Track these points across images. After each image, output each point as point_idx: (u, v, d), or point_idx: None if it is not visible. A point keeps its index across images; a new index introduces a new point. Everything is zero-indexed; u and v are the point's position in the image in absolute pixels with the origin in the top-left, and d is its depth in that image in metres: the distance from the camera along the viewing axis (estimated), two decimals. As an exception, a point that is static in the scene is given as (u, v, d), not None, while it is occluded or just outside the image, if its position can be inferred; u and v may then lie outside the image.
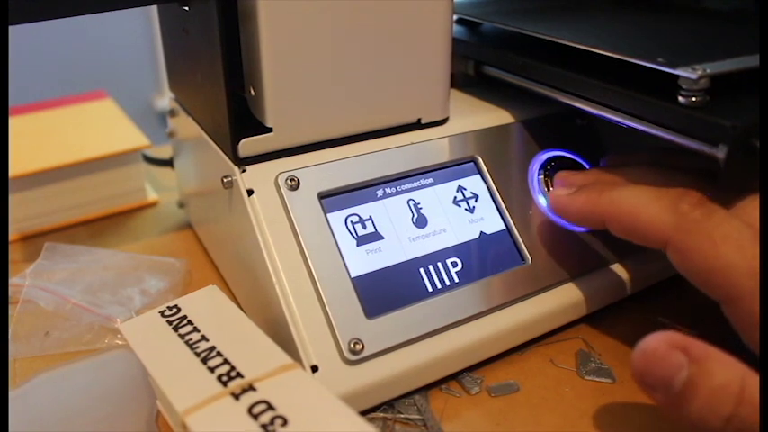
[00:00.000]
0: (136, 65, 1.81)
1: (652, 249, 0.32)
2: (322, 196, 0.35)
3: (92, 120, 0.58)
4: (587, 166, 0.41)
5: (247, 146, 0.35)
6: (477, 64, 0.44)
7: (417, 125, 0.38)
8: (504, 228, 0.37)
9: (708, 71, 0.32)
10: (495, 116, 0.41)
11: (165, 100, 1.49)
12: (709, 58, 0.33)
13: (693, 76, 0.31)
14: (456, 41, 0.40)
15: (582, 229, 0.38)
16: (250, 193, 0.34)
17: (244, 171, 0.35)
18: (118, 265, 0.45)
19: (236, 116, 0.34)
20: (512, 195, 0.38)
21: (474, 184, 0.38)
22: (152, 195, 0.55)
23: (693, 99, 0.32)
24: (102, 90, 0.64)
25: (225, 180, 0.36)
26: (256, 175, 0.35)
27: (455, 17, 0.46)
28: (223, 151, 0.37)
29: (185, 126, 0.44)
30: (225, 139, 0.35)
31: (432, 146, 0.38)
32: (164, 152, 0.55)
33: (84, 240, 0.49)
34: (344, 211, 0.35)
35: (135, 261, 0.45)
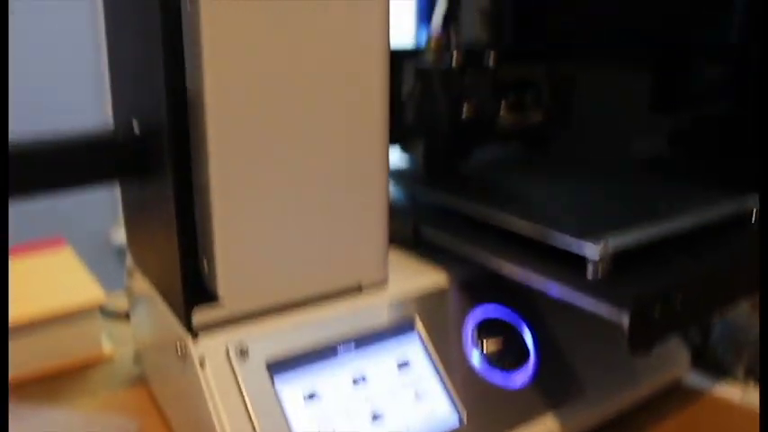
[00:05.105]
0: (92, 201, 1.81)
1: (586, 397, 0.33)
2: (269, 364, 0.37)
3: (49, 272, 0.59)
4: (520, 321, 0.43)
5: (200, 316, 0.37)
6: (414, 225, 0.47)
7: (358, 290, 0.41)
8: (442, 388, 0.40)
9: (610, 247, 0.36)
10: (433, 277, 0.44)
11: (121, 232, 1.46)
12: (617, 226, 0.37)
13: (596, 254, 0.36)
14: (395, 206, 0.43)
15: (515, 386, 0.41)
16: (202, 362, 0.36)
17: (196, 340, 0.37)
18: (69, 428, 0.45)
19: (191, 285, 0.37)
20: (448, 354, 0.41)
21: (412, 345, 0.41)
22: (108, 348, 0.56)
23: (599, 272, 0.36)
24: (60, 235, 0.66)
25: (178, 348, 0.38)
26: (208, 345, 0.37)
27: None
28: (177, 318, 0.38)
29: (142, 288, 0.46)
30: (179, 308, 0.37)
31: (371, 311, 0.41)
32: (122, 299, 0.56)
33: (36, 396, 0.49)
34: (291, 378, 0.37)
35: (86, 421, 0.45)
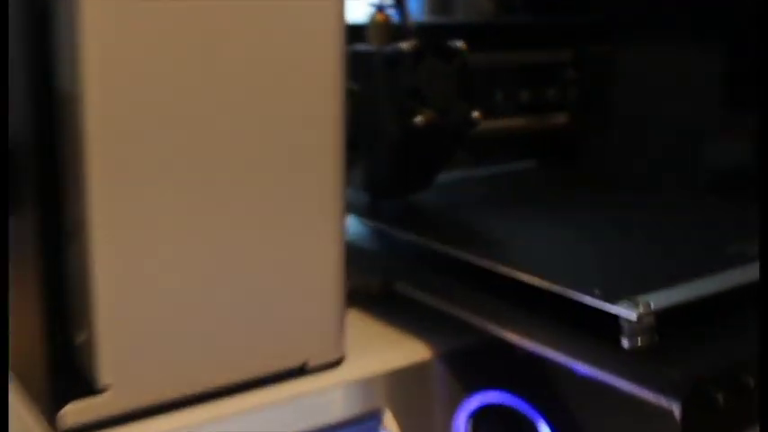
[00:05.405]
0: None
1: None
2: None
3: None
4: (532, 411, 0.36)
5: (74, 412, 0.30)
6: (385, 280, 0.41)
7: (302, 371, 0.34)
8: None
9: (652, 307, 0.29)
10: (407, 350, 0.38)
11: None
12: (655, 282, 0.31)
13: (633, 316, 0.29)
14: (356, 252, 0.37)
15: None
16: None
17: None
18: None
19: (61, 368, 0.30)
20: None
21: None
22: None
23: (638, 341, 0.29)
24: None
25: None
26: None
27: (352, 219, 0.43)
28: (40, 415, 0.32)
29: None
30: (43, 400, 0.31)
31: (321, 400, 0.34)
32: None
33: None
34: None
35: None
